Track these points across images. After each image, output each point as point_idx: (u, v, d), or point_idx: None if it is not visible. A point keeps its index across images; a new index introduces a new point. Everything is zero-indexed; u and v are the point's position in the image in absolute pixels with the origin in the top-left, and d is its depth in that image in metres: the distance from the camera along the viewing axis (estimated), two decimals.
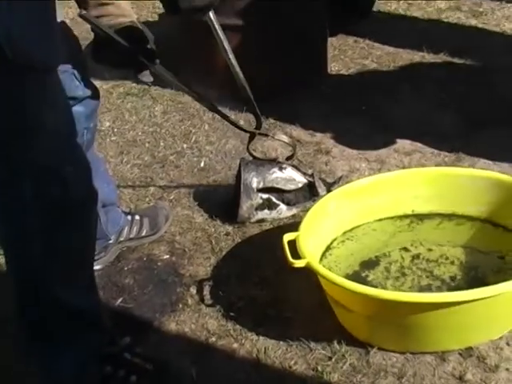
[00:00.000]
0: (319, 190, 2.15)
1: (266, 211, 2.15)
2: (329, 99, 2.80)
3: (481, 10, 3.39)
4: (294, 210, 2.17)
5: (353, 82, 2.91)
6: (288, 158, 2.18)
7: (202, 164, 2.46)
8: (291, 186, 2.15)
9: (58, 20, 1.53)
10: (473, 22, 3.31)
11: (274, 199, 2.15)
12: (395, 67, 3.01)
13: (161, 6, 2.82)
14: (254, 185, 2.13)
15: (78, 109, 1.65)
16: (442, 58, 3.03)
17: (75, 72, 1.64)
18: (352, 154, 2.46)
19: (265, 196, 2.14)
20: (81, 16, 1.59)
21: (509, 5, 3.38)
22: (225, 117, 2.08)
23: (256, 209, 2.13)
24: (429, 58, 3.05)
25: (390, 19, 3.43)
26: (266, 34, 2.71)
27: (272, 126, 2.63)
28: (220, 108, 2.09)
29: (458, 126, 2.56)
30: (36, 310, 1.45)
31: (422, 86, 2.84)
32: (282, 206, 2.16)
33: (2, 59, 1.17)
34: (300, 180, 2.17)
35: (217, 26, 1.73)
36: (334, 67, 3.03)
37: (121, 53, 1.69)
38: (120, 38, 1.65)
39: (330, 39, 3.13)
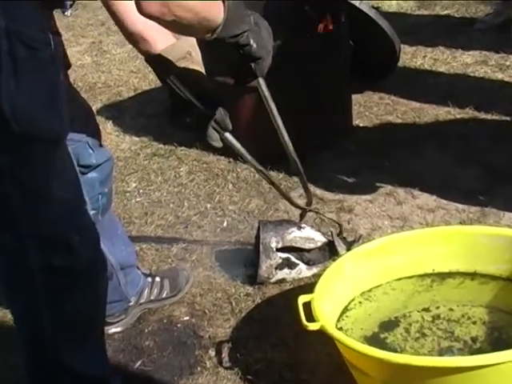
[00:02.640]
0: (339, 249, 2.15)
1: (286, 271, 2.14)
2: (353, 156, 2.80)
3: (507, 63, 3.37)
4: (315, 270, 2.16)
5: (377, 139, 2.92)
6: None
7: (225, 224, 2.48)
8: (310, 245, 2.15)
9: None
10: (499, 75, 3.30)
11: (293, 258, 2.14)
12: (420, 123, 3.00)
13: None
14: (273, 244, 2.13)
15: (92, 175, 1.69)
16: (467, 112, 3.01)
17: (89, 141, 1.69)
18: (375, 211, 2.45)
19: (284, 256, 2.14)
20: (165, 81, 1.59)
21: None
22: (282, 193, 2.09)
23: (275, 268, 2.13)
24: (454, 112, 3.04)
25: (415, 75, 3.44)
26: (290, 94, 2.75)
27: (295, 185, 2.64)
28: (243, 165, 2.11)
29: (483, 181, 2.53)
30: (44, 377, 1.46)
31: (447, 141, 2.83)
32: (302, 266, 2.15)
33: (8, 132, 1.21)
34: (319, 239, 2.16)
35: (267, 95, 1.75)
36: (359, 124, 3.04)
37: (197, 117, 1.70)
38: (197, 100, 1.64)
39: (355, 96, 3.15)
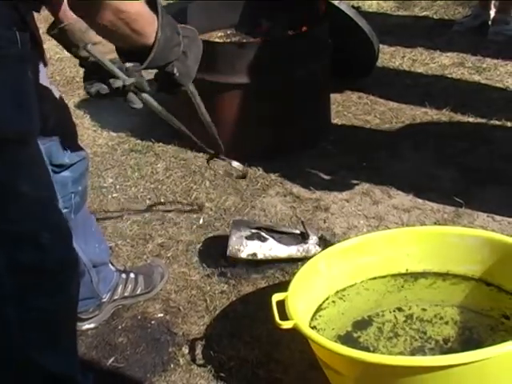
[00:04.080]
0: (310, 233, 2.21)
1: (257, 242, 2.20)
2: (330, 155, 2.81)
3: (484, 65, 3.40)
4: (286, 251, 2.20)
5: (355, 138, 2.93)
6: (238, 177, 2.21)
7: (201, 221, 2.47)
8: (282, 229, 2.26)
9: (44, 83, 1.57)
10: (476, 77, 3.32)
11: (263, 233, 2.22)
12: (398, 123, 3.02)
13: None
14: (245, 224, 2.26)
15: (64, 174, 1.68)
16: (444, 113, 3.04)
17: (62, 140, 1.67)
18: (351, 210, 2.46)
19: (254, 231, 2.22)
20: (86, 49, 1.58)
21: None
22: (194, 140, 2.07)
23: (246, 238, 2.19)
24: (431, 113, 3.06)
25: (394, 75, 3.45)
26: (267, 94, 2.75)
27: (272, 183, 2.65)
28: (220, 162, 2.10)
29: (459, 182, 2.55)
30: (11, 375, 1.45)
31: (424, 142, 2.85)
32: (273, 241, 2.20)
33: None
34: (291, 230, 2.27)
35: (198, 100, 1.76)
36: (337, 123, 3.05)
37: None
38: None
39: (333, 95, 3.16)
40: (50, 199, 1.40)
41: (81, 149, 1.78)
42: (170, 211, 2.52)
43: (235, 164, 2.04)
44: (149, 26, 1.35)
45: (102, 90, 1.50)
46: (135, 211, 2.54)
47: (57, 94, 1.71)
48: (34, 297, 1.38)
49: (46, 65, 1.62)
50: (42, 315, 1.41)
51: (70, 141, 1.71)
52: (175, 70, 1.49)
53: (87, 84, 1.54)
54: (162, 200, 2.61)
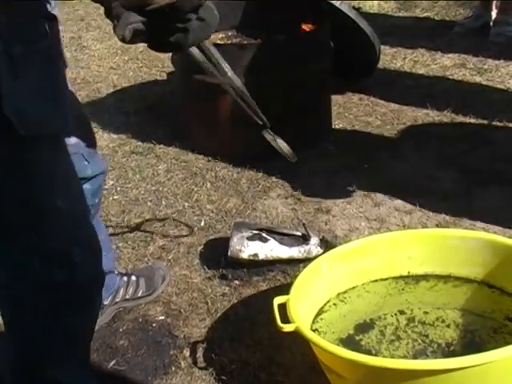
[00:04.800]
0: (311, 234, 2.20)
1: (258, 243, 2.19)
2: (331, 157, 2.81)
3: (485, 67, 3.40)
4: (288, 252, 2.19)
5: (356, 140, 2.92)
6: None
7: (203, 223, 2.47)
8: (284, 230, 2.26)
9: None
10: (477, 78, 3.32)
11: (264, 234, 2.22)
12: (399, 124, 3.01)
13: (170, 64, 2.85)
14: (245, 225, 2.26)
15: (85, 187, 1.64)
16: (445, 115, 3.03)
17: (84, 152, 1.66)
18: (352, 212, 2.45)
19: (256, 232, 2.22)
20: None
21: None
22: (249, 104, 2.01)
23: (247, 239, 2.19)
24: (433, 115, 3.05)
25: (395, 76, 3.45)
26: (271, 94, 2.75)
27: (273, 185, 2.64)
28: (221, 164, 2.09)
29: (460, 184, 2.55)
30: None
31: (425, 143, 2.85)
32: (274, 242, 2.20)
33: (10, 137, 1.16)
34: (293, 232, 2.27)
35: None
36: (338, 124, 3.05)
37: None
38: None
39: (334, 97, 3.16)
40: (83, 213, 1.37)
41: (100, 161, 1.77)
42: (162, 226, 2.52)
43: (282, 144, 1.99)
44: None
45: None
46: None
47: (77, 101, 1.69)
48: (65, 313, 1.36)
49: (66, 66, 1.51)
50: (66, 331, 1.39)
51: (92, 152, 1.69)
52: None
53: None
54: (163, 202, 2.60)
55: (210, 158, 2.82)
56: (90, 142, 1.72)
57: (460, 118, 3.01)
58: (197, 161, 2.84)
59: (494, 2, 3.74)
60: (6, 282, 1.34)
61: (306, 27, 2.88)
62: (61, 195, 1.28)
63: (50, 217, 1.27)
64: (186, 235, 2.40)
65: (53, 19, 1.23)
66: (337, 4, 2.96)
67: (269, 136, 1.98)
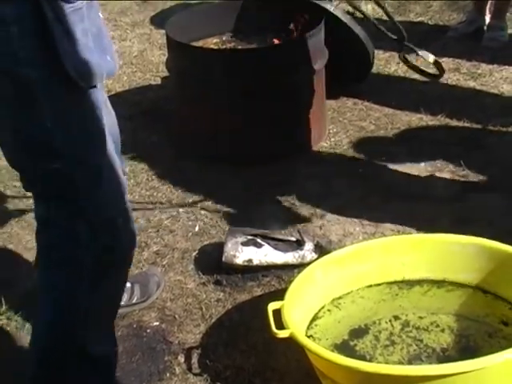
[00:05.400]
0: (305, 240, 2.21)
1: (252, 248, 2.20)
2: (326, 162, 2.81)
3: (479, 71, 3.40)
4: (282, 258, 2.20)
5: (350, 145, 2.93)
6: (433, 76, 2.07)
7: (197, 228, 2.47)
8: (278, 236, 2.27)
9: None
10: (471, 83, 3.33)
11: (259, 240, 2.23)
12: (393, 129, 3.02)
13: (164, 69, 2.85)
14: (240, 231, 2.29)
15: None
16: (439, 119, 3.04)
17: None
18: (347, 217, 2.45)
19: (250, 237, 2.24)
20: None
21: (506, 66, 3.39)
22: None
23: (242, 244, 2.20)
24: (427, 119, 3.06)
25: (389, 81, 3.45)
26: (262, 100, 2.76)
27: (268, 189, 2.64)
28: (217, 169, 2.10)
29: (454, 189, 2.56)
30: (55, 356, 1.55)
31: (420, 148, 2.85)
32: (268, 248, 2.21)
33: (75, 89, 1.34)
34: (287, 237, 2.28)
35: None
36: (332, 129, 3.05)
37: None
38: None
39: (329, 101, 3.16)
40: (123, 186, 1.52)
41: (122, 162, 1.76)
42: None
43: (427, 55, 1.95)
44: None
45: None
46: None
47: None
48: (106, 276, 1.51)
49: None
50: (107, 295, 1.56)
51: (119, 153, 1.69)
52: None
53: None
54: (158, 207, 2.60)
55: (204, 163, 2.82)
56: (118, 141, 1.76)
57: (454, 123, 3.01)
58: (191, 166, 2.83)
59: (488, 7, 3.74)
60: (56, 242, 1.49)
61: (277, 40, 2.89)
62: (108, 166, 1.45)
63: (99, 184, 1.44)
64: None
65: None
66: (331, 9, 2.97)
67: (408, 52, 1.93)
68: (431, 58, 1.93)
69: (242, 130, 2.75)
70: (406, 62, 2.02)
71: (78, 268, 1.49)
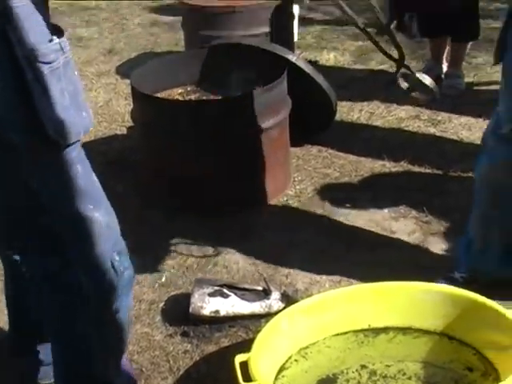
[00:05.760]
0: (272, 289, 2.23)
1: (219, 299, 2.21)
2: (291, 210, 2.84)
3: (439, 118, 3.49)
4: (249, 308, 2.20)
5: (315, 192, 2.96)
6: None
7: (164, 279, 2.46)
8: (245, 286, 2.29)
9: None
10: (431, 130, 3.41)
11: (225, 290, 2.24)
12: (357, 176, 3.07)
13: (130, 119, 2.87)
14: (206, 282, 2.31)
15: None
16: (402, 166, 3.10)
17: None
18: (313, 266, 2.47)
19: (217, 288, 2.25)
20: None
21: (465, 113, 3.48)
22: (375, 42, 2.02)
23: (209, 295, 2.21)
24: (389, 166, 3.12)
25: (352, 128, 3.52)
26: (227, 150, 2.79)
27: (234, 239, 2.65)
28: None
29: (417, 235, 2.60)
30: None
31: (383, 194, 2.90)
32: (235, 298, 2.21)
33: (49, 150, 1.37)
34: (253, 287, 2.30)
35: None
36: (297, 177, 3.08)
37: None
38: None
39: (293, 149, 3.20)
40: (117, 223, 1.59)
41: None
42: None
43: (422, 76, 1.96)
44: None
45: None
46: None
47: None
48: (110, 311, 1.57)
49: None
50: (116, 327, 1.63)
51: None
52: None
53: None
54: None
55: (170, 213, 2.82)
56: None
57: (416, 169, 3.08)
58: (158, 216, 2.84)
59: (445, 56, 3.86)
60: (53, 294, 1.56)
61: (240, 91, 2.93)
62: (99, 208, 1.51)
63: (95, 230, 1.48)
64: None
65: (60, 32, 1.39)
66: (293, 60, 3.04)
67: (405, 73, 1.97)
68: (428, 80, 1.98)
69: (207, 181, 2.77)
70: (404, 78, 2.07)
71: (79, 313, 1.55)
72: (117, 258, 1.54)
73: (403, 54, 1.98)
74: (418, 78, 1.92)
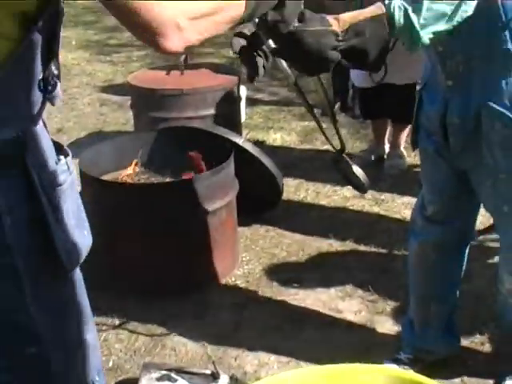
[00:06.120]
0: (220, 372, 2.23)
1: (167, 383, 2.19)
2: (239, 290, 2.86)
3: (382, 197, 3.59)
4: None
5: (263, 272, 2.99)
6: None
7: (111, 363, 2.43)
8: (193, 370, 2.27)
9: None
10: (376, 209, 3.50)
11: (173, 374, 2.22)
12: (304, 255, 3.12)
13: None
14: (154, 367, 2.27)
15: None
16: (348, 245, 3.16)
17: None
18: (262, 347, 2.48)
19: (164, 372, 2.22)
20: None
21: (407, 193, 3.59)
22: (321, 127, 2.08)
23: (157, 380, 2.18)
24: (336, 245, 3.18)
25: (299, 208, 3.59)
26: (177, 231, 2.82)
27: (183, 320, 2.64)
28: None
29: (364, 314, 2.64)
30: None
31: (330, 274, 2.95)
32: (183, 382, 2.20)
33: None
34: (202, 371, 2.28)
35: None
36: (245, 257, 3.11)
37: None
38: None
39: (242, 229, 3.24)
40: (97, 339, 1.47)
41: None
42: None
43: (357, 171, 1.98)
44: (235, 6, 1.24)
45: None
46: None
47: None
48: None
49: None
50: None
51: None
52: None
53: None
54: None
55: (119, 295, 2.81)
56: None
57: (362, 248, 3.14)
58: (104, 298, 2.81)
59: (386, 137, 4.00)
60: None
61: (186, 176, 3.00)
62: (91, 328, 1.41)
63: (85, 353, 1.39)
64: None
65: (67, 153, 1.33)
66: (240, 142, 3.11)
67: (343, 164, 2.00)
68: (360, 173, 2.06)
69: (156, 262, 2.78)
70: (337, 166, 2.15)
71: None
72: (97, 378, 1.44)
73: (344, 145, 2.07)
74: (352, 170, 2.02)
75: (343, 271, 2.95)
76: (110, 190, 2.84)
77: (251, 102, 5.04)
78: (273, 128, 4.67)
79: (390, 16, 1.51)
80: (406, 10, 1.51)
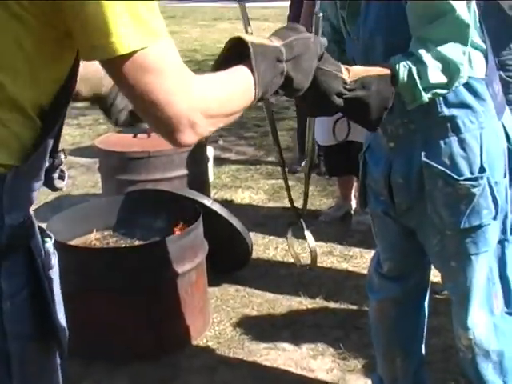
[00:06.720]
0: None
1: None
2: (210, 352, 2.84)
3: (351, 253, 3.63)
4: None
5: (234, 333, 2.98)
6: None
7: None
8: None
9: None
10: (344, 265, 3.53)
11: None
12: (274, 314, 3.12)
13: None
14: None
15: None
16: (318, 302, 3.18)
17: None
18: None
19: None
20: None
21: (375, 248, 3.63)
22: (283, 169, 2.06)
23: None
24: (306, 303, 3.19)
25: (268, 266, 3.60)
26: (145, 295, 2.81)
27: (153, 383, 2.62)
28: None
29: (335, 372, 2.64)
30: None
31: (300, 332, 2.95)
32: None
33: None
34: None
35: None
36: (216, 318, 3.11)
37: None
38: None
39: (212, 289, 3.24)
40: None
41: None
42: None
43: (309, 238, 2.00)
44: (245, 100, 1.26)
45: None
46: None
47: None
48: None
49: None
50: None
51: None
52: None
53: None
54: None
55: (90, 360, 2.77)
56: None
57: (332, 305, 3.16)
58: (74, 363, 2.77)
59: (353, 193, 4.06)
60: None
61: (178, 229, 3.01)
62: None
63: None
64: None
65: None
66: (208, 204, 3.14)
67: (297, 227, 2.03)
68: (312, 244, 2.10)
69: (124, 327, 2.76)
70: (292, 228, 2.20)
71: None
72: None
73: (304, 209, 2.13)
74: (304, 234, 2.09)
75: (314, 329, 2.96)
76: (78, 255, 2.83)
77: (219, 161, 5.10)
78: (241, 187, 4.71)
79: (394, 73, 1.59)
80: (410, 69, 1.59)
